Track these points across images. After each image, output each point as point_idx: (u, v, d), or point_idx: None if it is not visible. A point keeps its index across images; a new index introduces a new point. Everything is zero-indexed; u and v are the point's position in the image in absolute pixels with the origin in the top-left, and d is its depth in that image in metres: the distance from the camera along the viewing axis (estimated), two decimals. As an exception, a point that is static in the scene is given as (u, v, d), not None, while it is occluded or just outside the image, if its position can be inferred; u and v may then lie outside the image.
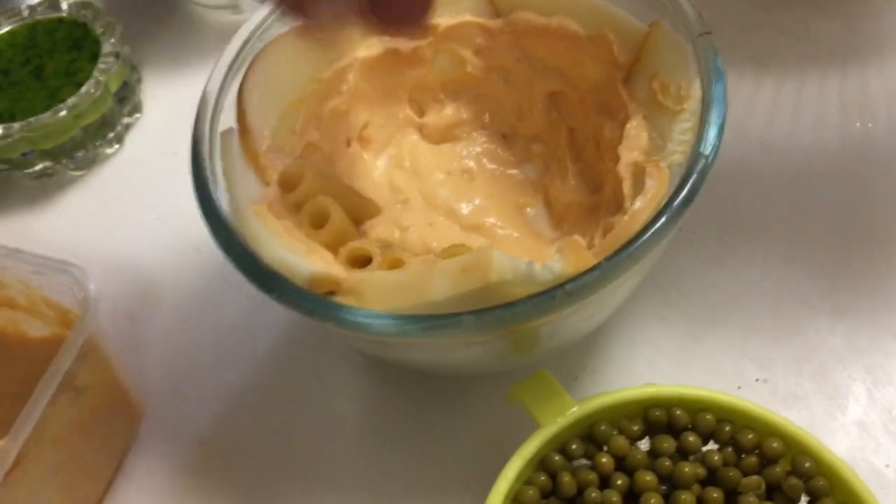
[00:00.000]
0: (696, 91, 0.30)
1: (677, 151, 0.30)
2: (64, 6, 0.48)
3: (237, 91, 0.34)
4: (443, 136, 0.40)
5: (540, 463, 0.31)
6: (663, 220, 0.27)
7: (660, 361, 0.37)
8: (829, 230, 0.39)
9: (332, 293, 0.30)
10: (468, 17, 0.37)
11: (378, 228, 0.37)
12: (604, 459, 0.31)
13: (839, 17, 0.46)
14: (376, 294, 0.29)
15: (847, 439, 0.34)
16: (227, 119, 0.34)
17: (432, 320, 0.27)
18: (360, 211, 0.37)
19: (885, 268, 0.38)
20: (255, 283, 0.29)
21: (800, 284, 0.38)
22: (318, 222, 0.33)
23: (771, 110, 0.43)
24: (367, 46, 0.37)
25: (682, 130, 0.31)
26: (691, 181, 0.28)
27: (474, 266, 0.28)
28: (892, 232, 0.39)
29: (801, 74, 0.44)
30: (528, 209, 0.38)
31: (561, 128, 0.38)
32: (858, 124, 0.42)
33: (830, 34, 0.45)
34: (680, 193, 0.28)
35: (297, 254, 0.30)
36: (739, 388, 0.36)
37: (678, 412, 0.31)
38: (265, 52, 0.35)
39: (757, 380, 0.36)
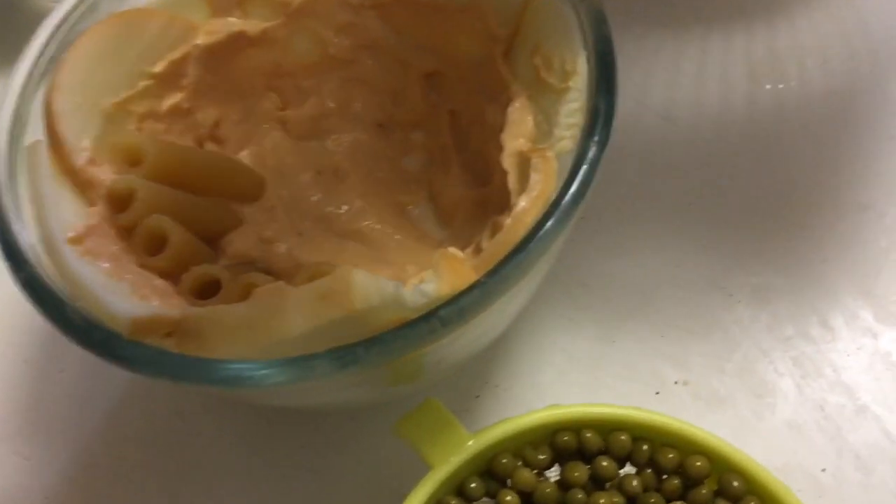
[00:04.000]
0: (582, 66, 0.26)
1: (566, 137, 0.26)
2: None
3: (44, 95, 0.28)
4: (308, 130, 0.35)
5: (436, 508, 0.27)
6: (551, 222, 0.23)
7: (570, 370, 0.33)
8: (744, 206, 0.36)
9: (169, 335, 0.25)
10: (324, -9, 0.32)
11: (237, 243, 0.32)
12: (508, 497, 0.27)
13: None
14: (220, 334, 0.24)
15: (778, 442, 0.31)
16: (36, 130, 0.28)
17: (280, 369, 0.22)
18: (215, 223, 0.32)
19: (806, 243, 0.35)
20: (68, 335, 0.23)
21: (716, 270, 0.34)
22: (156, 246, 0.28)
23: (673, 77, 0.39)
24: (208, 32, 0.32)
25: (569, 112, 0.26)
26: (581, 173, 0.24)
27: (333, 292, 0.23)
28: (811, 203, 0.36)
29: (704, 35, 0.40)
30: (411, 207, 0.34)
31: (442, 112, 0.34)
32: (768, 86, 0.39)
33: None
34: (569, 189, 0.24)
35: (119, 293, 0.25)
36: (658, 393, 0.32)
37: (588, 434, 0.28)
38: (77, 46, 0.29)
39: (676, 382, 0.32)
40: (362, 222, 0.33)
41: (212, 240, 0.32)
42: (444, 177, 0.34)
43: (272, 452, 0.32)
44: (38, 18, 0.45)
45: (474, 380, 0.33)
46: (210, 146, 0.34)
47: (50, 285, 0.24)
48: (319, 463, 0.32)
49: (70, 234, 0.26)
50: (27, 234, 0.25)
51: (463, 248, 0.27)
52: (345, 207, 0.34)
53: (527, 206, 0.24)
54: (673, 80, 0.39)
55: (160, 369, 0.22)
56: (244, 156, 0.34)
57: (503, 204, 0.30)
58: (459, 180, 0.33)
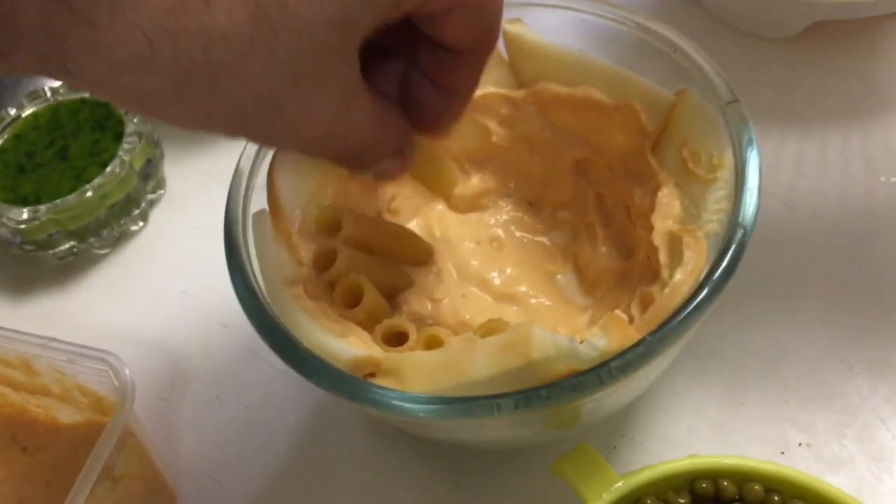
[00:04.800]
0: (729, 160, 0.31)
1: (713, 220, 0.30)
2: (86, 86, 0.48)
3: (267, 171, 0.34)
4: (469, 205, 0.40)
5: (587, 541, 0.31)
6: (705, 292, 0.27)
7: (700, 428, 0.36)
8: (862, 287, 0.39)
9: (371, 375, 0.30)
10: (491, 89, 0.38)
11: (411, 301, 0.37)
12: (652, 534, 0.30)
13: (858, 73, 0.46)
14: (416, 374, 0.29)
15: (897, 504, 0.33)
16: (259, 200, 0.34)
17: (475, 403, 0.26)
18: (392, 284, 0.37)
19: (921, 323, 0.38)
20: (297, 368, 0.28)
21: (838, 344, 0.38)
22: (352, 300, 0.33)
23: (796, 168, 0.43)
24: (393, 121, 0.37)
25: (716, 199, 0.31)
26: (731, 252, 0.28)
27: (515, 344, 0.27)
28: (925, 286, 0.39)
29: (824, 131, 0.44)
30: (559, 276, 0.38)
31: (589, 194, 0.38)
32: (883, 179, 0.42)
33: (850, 91, 0.46)
34: (720, 265, 0.28)
35: (334, 336, 0.30)
36: (783, 453, 0.35)
37: (725, 483, 0.31)
38: (294, 132, 0.35)
39: (800, 444, 0.35)
40: (517, 288, 0.38)
41: (388, 297, 0.36)
42: (590, 250, 0.38)
43: (431, 489, 0.37)
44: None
45: (612, 433, 0.37)
46: (387, 217, 0.39)
47: (283, 329, 0.29)
48: (470, 500, 0.36)
49: (290, 287, 0.31)
50: (258, 285, 0.31)
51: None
52: (501, 274, 0.38)
53: (682, 278, 0.29)
54: (795, 171, 0.43)
55: (377, 401, 0.27)
56: (413, 226, 0.40)
57: (646, 276, 0.34)
58: (603, 254, 0.38)
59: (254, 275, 0.31)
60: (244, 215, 0.33)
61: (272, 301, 0.31)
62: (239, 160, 0.34)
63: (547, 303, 0.37)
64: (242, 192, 0.33)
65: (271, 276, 0.32)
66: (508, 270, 0.38)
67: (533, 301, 0.37)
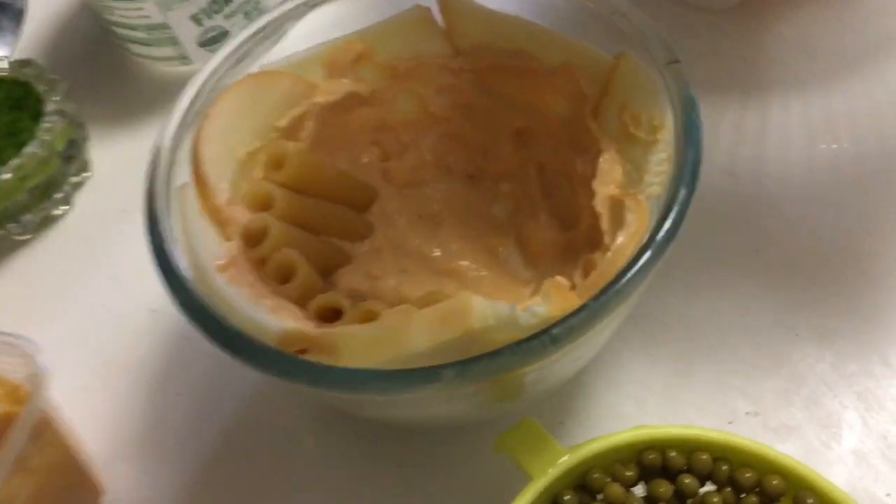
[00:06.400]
0: (669, 121, 0.30)
1: (655, 183, 0.29)
2: (3, 65, 0.46)
3: (191, 144, 0.32)
4: (407, 179, 0.39)
5: (533, 518, 0.30)
6: (648, 254, 0.26)
7: (647, 400, 0.36)
8: (806, 255, 0.39)
9: (303, 351, 0.28)
10: (427, 57, 0.36)
11: (348, 278, 0.35)
12: (600, 509, 0.29)
13: (798, 42, 0.46)
14: (351, 349, 0.27)
15: (845, 469, 0.33)
16: (183, 174, 0.32)
17: (412, 376, 0.25)
18: (328, 260, 0.35)
19: (865, 289, 0.38)
20: (222, 346, 0.27)
21: (783, 312, 0.37)
22: (285, 277, 0.32)
23: (736, 136, 0.43)
24: (325, 91, 0.36)
25: (658, 162, 0.30)
26: (674, 213, 0.27)
27: (454, 314, 0.26)
28: (868, 252, 0.39)
29: (764, 101, 0.44)
30: (501, 249, 0.37)
31: (530, 164, 0.37)
32: (824, 146, 0.42)
33: (790, 60, 0.45)
34: (663, 226, 0.27)
35: (264, 312, 0.28)
36: (731, 422, 0.35)
37: (673, 454, 0.30)
38: (219, 102, 0.33)
39: (748, 413, 0.35)
40: (458, 262, 0.37)
41: (324, 274, 0.35)
42: (532, 222, 0.37)
43: (371, 472, 0.35)
44: (150, 82, 0.50)
45: (559, 409, 0.36)
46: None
47: (207, 306, 0.27)
48: (414, 481, 0.35)
49: (218, 263, 0.30)
50: (182, 262, 0.29)
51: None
52: (442, 248, 0.37)
53: (624, 242, 0.28)
54: (736, 139, 0.42)
55: (311, 378, 0.26)
56: (349, 202, 0.38)
57: (590, 245, 0.33)
58: (546, 225, 0.37)
59: (178, 252, 0.30)
60: (167, 191, 0.31)
61: (198, 278, 0.29)
62: (161, 133, 0.32)
63: (489, 276, 0.36)
64: (165, 167, 0.31)
65: (197, 252, 0.30)
66: (450, 245, 0.37)
67: (474, 275, 0.36)
